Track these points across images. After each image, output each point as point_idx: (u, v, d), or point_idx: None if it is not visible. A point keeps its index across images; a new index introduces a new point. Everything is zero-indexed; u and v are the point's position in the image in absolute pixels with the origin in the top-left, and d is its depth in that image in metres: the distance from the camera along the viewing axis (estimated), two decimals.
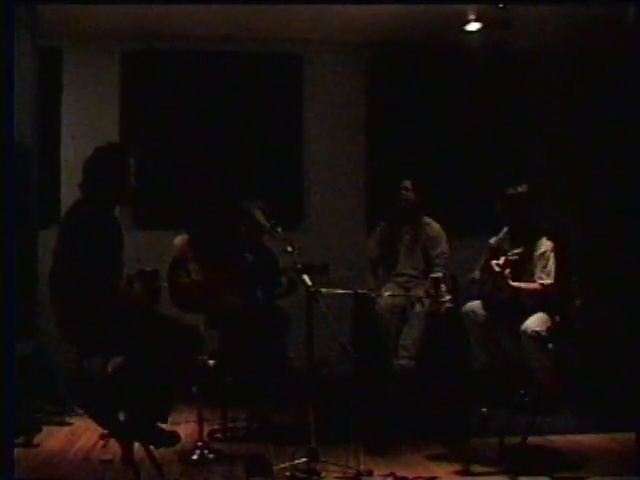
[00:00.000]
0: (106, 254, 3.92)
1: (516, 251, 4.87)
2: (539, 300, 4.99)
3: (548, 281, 5.00)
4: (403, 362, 5.64)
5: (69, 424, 5.39)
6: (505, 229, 5.28)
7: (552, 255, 5.05)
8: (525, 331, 4.87)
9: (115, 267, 3.99)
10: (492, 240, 5.25)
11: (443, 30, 6.80)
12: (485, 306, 5.10)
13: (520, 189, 5.16)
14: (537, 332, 4.84)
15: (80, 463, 4.56)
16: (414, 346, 5.66)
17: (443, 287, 4.86)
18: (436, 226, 6.05)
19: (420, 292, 5.68)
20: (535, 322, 4.89)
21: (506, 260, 4.86)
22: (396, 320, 5.75)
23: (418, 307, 5.70)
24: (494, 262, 4.88)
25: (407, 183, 6.00)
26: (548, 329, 4.88)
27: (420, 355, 5.66)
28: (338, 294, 4.61)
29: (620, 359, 5.91)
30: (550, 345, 4.88)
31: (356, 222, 7.32)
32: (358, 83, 7.43)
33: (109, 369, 4.03)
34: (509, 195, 5.15)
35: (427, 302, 5.53)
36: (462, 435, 5.03)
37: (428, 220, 6.06)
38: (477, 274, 5.18)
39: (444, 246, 6.00)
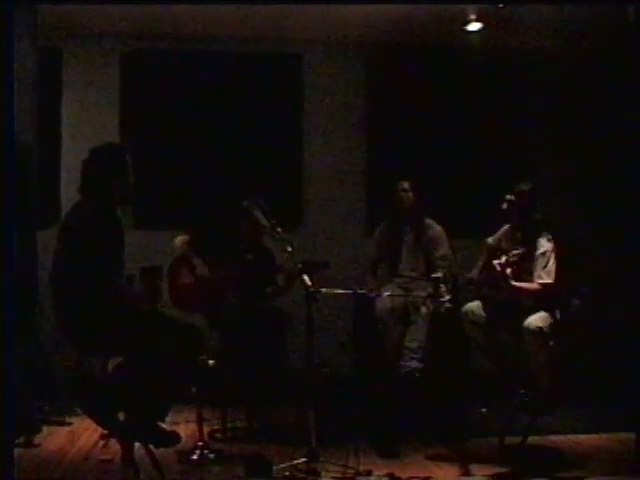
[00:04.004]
0: (108, 253, 3.93)
1: (516, 251, 4.87)
2: (539, 300, 4.99)
3: (548, 281, 5.00)
4: (413, 364, 5.62)
5: (69, 424, 5.39)
6: (504, 228, 5.29)
7: (553, 255, 5.05)
8: (527, 327, 4.87)
9: (116, 266, 3.99)
10: (490, 239, 5.25)
11: (443, 30, 6.80)
12: (484, 306, 5.10)
13: (524, 187, 5.16)
14: (540, 328, 4.84)
15: (80, 463, 4.57)
16: (420, 348, 5.65)
17: (443, 287, 4.86)
18: (438, 228, 6.04)
19: (422, 293, 5.68)
20: (537, 319, 4.89)
21: (507, 260, 4.86)
22: (395, 323, 5.74)
23: (423, 309, 5.68)
24: (496, 262, 4.88)
25: (405, 184, 5.99)
26: (550, 326, 4.88)
27: (425, 357, 5.66)
28: (338, 294, 4.62)
29: (620, 359, 5.91)
30: (551, 342, 4.88)
31: (356, 222, 7.31)
32: (358, 83, 7.43)
33: (109, 369, 4.04)
34: (514, 193, 5.15)
35: (430, 303, 5.53)
36: (462, 435, 5.03)
37: (430, 222, 6.05)
38: (475, 273, 5.18)
39: (446, 248, 5.98)
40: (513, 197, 5.15)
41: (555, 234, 5.13)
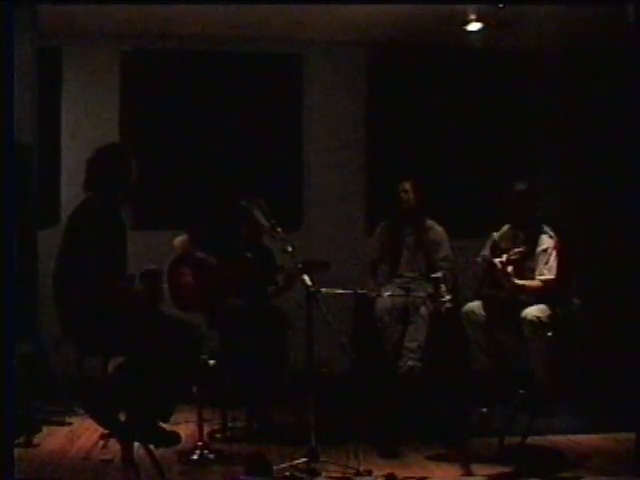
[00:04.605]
0: (111, 253, 3.93)
1: (517, 250, 4.88)
2: (540, 297, 4.99)
3: (549, 277, 5.00)
4: (411, 363, 5.61)
5: (69, 424, 5.39)
6: (505, 227, 5.29)
7: (554, 252, 5.05)
8: (525, 317, 4.88)
9: (119, 266, 4.00)
10: (495, 234, 5.24)
11: (443, 30, 6.80)
12: (485, 306, 5.10)
13: (525, 186, 5.17)
14: (538, 317, 4.85)
15: (80, 463, 4.57)
16: (420, 348, 5.65)
17: (443, 287, 4.86)
18: (439, 229, 6.02)
19: (422, 293, 5.67)
20: (535, 310, 4.91)
21: (509, 258, 4.86)
22: (395, 323, 5.73)
23: (423, 309, 5.68)
24: (497, 260, 4.88)
25: (406, 185, 5.98)
26: (548, 317, 4.89)
27: (425, 357, 5.66)
28: (338, 294, 4.61)
29: (620, 359, 5.91)
30: (549, 333, 4.87)
31: (356, 222, 7.30)
32: (358, 83, 7.42)
33: (110, 369, 4.04)
34: (514, 191, 5.15)
35: (430, 303, 5.52)
36: (462, 435, 5.03)
37: (431, 223, 6.03)
38: (486, 252, 5.14)
39: (447, 250, 5.96)
40: (511, 198, 5.15)
41: (556, 231, 5.13)
